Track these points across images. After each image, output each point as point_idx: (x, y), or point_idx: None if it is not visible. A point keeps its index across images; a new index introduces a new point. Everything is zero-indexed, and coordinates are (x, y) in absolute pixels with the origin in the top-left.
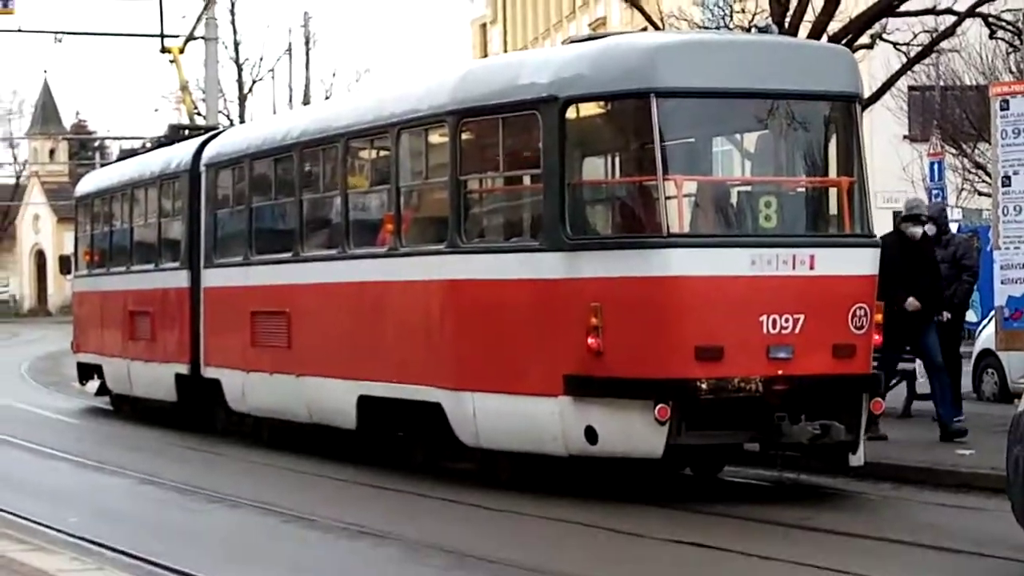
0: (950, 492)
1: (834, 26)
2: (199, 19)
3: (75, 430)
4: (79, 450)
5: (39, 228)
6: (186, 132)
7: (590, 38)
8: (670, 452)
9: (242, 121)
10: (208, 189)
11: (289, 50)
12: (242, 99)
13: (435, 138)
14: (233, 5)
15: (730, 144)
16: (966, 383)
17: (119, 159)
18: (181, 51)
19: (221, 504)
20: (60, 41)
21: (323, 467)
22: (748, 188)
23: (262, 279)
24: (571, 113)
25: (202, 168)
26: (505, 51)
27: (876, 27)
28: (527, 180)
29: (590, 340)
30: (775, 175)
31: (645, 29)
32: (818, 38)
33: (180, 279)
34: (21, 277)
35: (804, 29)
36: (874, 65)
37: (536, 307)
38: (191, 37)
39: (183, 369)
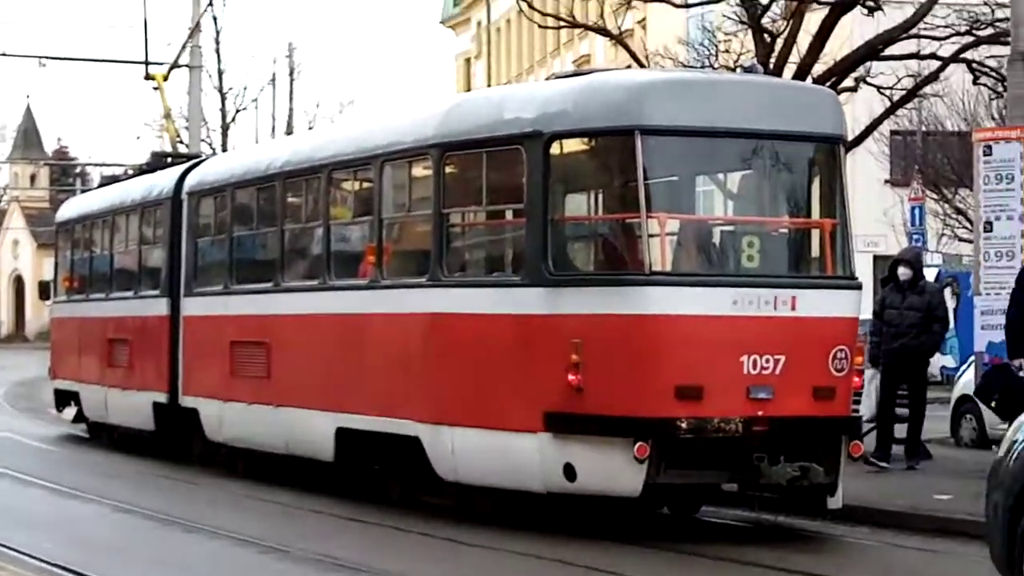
0: (927, 536)
1: (819, 68)
2: (184, 47)
3: (51, 457)
4: (55, 477)
5: (18, 254)
6: (168, 160)
7: (575, 74)
8: (648, 491)
9: (224, 150)
10: (189, 217)
11: (273, 80)
12: (225, 128)
13: (419, 171)
14: (218, 34)
15: (713, 183)
16: (943, 428)
17: (100, 186)
18: (165, 78)
19: (198, 534)
20: (44, 66)
21: (300, 499)
22: (731, 228)
23: (242, 309)
24: (555, 149)
25: (184, 196)
26: (489, 86)
27: (860, 70)
28: (510, 214)
29: (570, 377)
30: (758, 215)
31: (630, 66)
32: (803, 79)
33: (160, 307)
34: None
35: (789, 70)
36: (857, 108)
37: (517, 342)
38: (175, 65)
39: (161, 398)
